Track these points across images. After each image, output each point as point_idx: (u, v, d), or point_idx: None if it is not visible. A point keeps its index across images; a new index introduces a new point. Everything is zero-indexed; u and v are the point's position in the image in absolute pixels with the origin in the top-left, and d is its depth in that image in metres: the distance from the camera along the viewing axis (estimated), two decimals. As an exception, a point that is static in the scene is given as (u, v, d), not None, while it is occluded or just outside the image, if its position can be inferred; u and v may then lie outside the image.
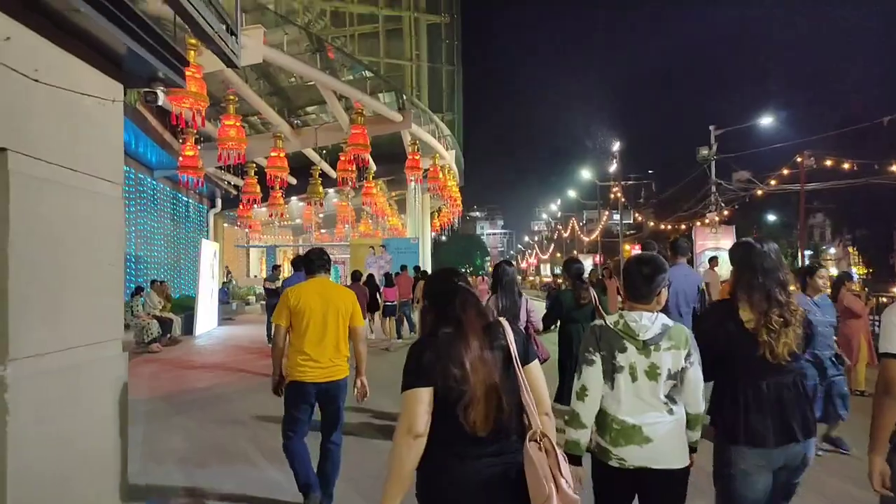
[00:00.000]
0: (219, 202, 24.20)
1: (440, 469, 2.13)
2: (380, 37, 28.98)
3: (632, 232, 44.33)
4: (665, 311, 2.66)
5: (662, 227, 32.97)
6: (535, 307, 5.75)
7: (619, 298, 10.31)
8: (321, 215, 30.09)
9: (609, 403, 2.55)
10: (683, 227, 29.06)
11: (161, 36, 4.06)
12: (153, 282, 14.41)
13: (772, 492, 2.68)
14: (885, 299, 14.22)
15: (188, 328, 15.47)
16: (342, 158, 16.96)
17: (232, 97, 13.25)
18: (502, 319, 2.30)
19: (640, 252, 2.96)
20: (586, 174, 43.45)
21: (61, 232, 3.40)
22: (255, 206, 20.98)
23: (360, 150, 15.05)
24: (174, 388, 9.13)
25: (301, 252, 33.88)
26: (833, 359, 5.37)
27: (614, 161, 36.87)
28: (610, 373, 2.54)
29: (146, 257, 17.35)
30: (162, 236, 18.91)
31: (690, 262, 23.15)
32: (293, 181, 20.29)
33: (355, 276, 12.27)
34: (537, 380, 2.26)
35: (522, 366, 2.21)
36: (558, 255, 78.87)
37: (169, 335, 13.59)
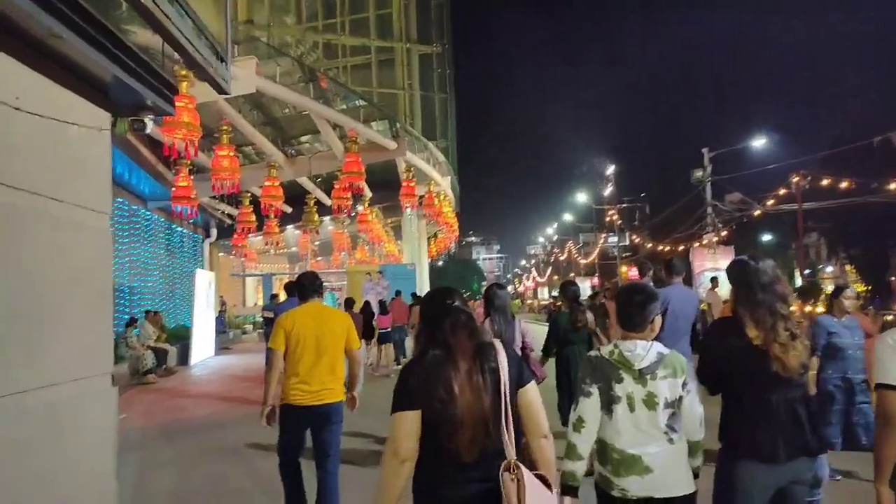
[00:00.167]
0: (214, 232, 24.11)
1: (429, 491, 2.14)
2: (372, 67, 29.24)
3: (627, 254, 44.33)
4: (664, 331, 2.67)
5: (660, 248, 32.95)
6: (530, 329, 5.72)
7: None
8: (317, 243, 29.99)
9: (608, 433, 2.53)
10: (682, 248, 29.03)
11: (148, 63, 4.01)
12: (147, 312, 14.26)
13: None
14: (891, 317, 14.14)
15: (184, 358, 15.28)
16: (337, 186, 16.92)
17: (225, 127, 13.24)
18: (496, 342, 2.26)
19: (630, 281, 2.96)
20: (581, 197, 43.68)
21: (45, 265, 3.30)
22: (251, 235, 20.91)
23: (355, 178, 15.02)
24: (169, 419, 8.96)
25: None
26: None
27: (609, 184, 37.00)
28: (607, 403, 2.53)
29: (141, 288, 17.20)
30: (156, 267, 18.78)
31: (689, 282, 23.23)
32: (288, 210, 20.22)
33: (348, 303, 12.16)
34: (533, 402, 2.24)
35: (518, 388, 2.19)
36: (555, 277, 78.76)
37: (164, 366, 13.40)
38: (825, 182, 20.38)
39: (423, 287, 25.36)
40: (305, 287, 4.34)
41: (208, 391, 11.77)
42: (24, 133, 3.26)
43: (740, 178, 24.94)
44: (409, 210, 21.90)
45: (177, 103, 9.89)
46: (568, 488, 2.49)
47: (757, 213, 23.51)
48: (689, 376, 2.56)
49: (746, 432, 2.61)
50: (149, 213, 18.25)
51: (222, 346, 19.20)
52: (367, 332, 13.03)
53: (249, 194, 18.52)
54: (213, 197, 18.59)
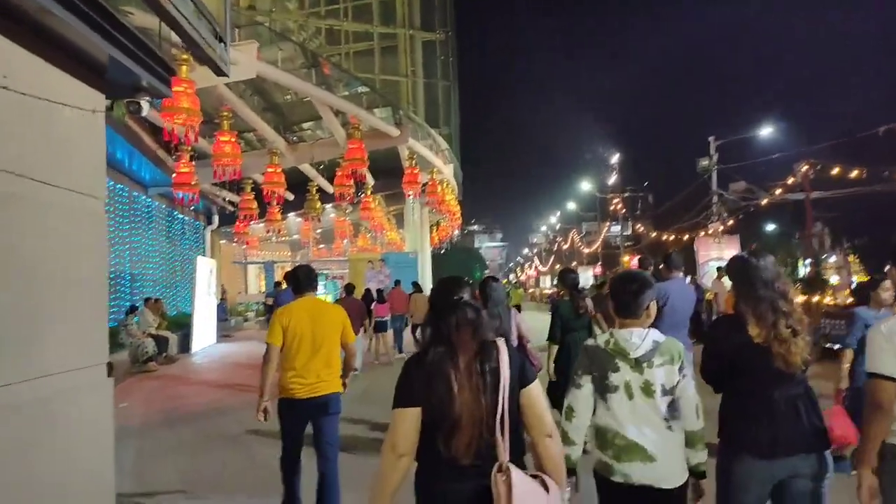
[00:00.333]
0: (215, 219, 24.00)
1: (428, 488, 2.16)
2: (375, 54, 29.01)
3: (630, 243, 44.17)
4: (663, 325, 2.73)
5: (664, 237, 32.77)
6: (524, 320, 5.79)
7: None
8: (319, 231, 29.90)
9: (609, 422, 2.54)
10: (686, 237, 28.85)
11: (145, 43, 3.87)
12: (147, 300, 14.16)
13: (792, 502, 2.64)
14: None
15: (185, 346, 15.22)
16: (339, 174, 16.83)
17: (226, 113, 13.12)
18: (499, 340, 2.24)
19: (625, 270, 2.97)
20: (585, 186, 43.38)
21: (36, 251, 3.19)
22: (252, 222, 20.82)
23: (358, 165, 14.92)
24: (169, 407, 8.90)
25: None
26: None
27: (613, 173, 36.78)
28: (604, 393, 2.54)
29: (141, 275, 17.12)
30: (157, 254, 18.69)
31: (693, 272, 23.08)
32: (290, 197, 20.12)
33: (349, 288, 12.12)
34: (536, 401, 2.22)
35: (521, 388, 2.18)
36: (557, 266, 78.65)
37: (165, 353, 13.33)
38: (832, 171, 20.14)
39: (425, 276, 25.29)
40: (301, 281, 4.37)
41: (209, 379, 11.72)
42: (14, 114, 3.13)
43: (745, 167, 24.75)
44: (411, 198, 21.79)
45: (176, 88, 9.80)
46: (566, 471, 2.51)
47: (764, 201, 23.24)
48: (687, 362, 2.56)
49: (746, 428, 2.62)
50: (149, 199, 18.14)
51: (224, 334, 19.14)
52: (368, 318, 13.03)
53: (251, 181, 18.44)
54: (215, 184, 18.48)
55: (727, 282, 11.91)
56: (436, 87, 29.96)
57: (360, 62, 28.25)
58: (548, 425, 2.21)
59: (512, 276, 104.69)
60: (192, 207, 21.09)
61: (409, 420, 2.12)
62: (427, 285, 20.50)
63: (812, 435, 2.62)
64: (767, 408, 2.60)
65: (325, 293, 23.08)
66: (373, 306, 13.55)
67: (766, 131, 23.39)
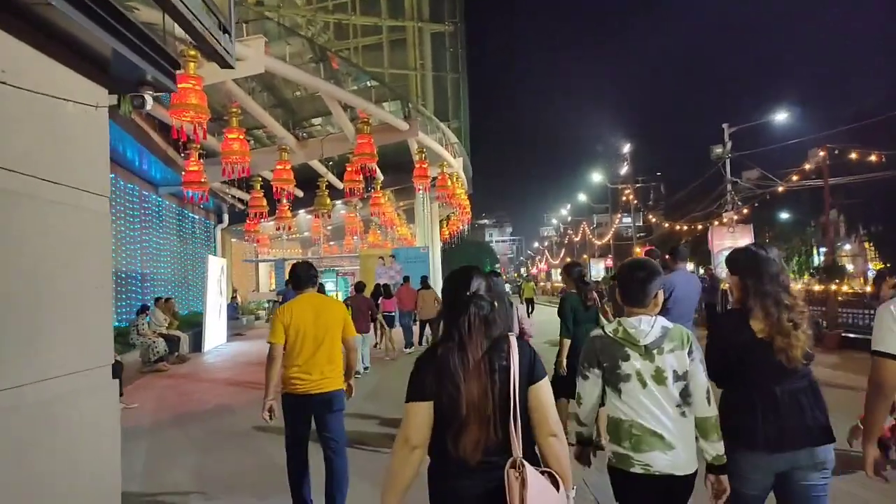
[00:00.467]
0: (226, 217, 24.00)
1: (441, 484, 2.16)
2: (384, 48, 28.79)
3: (642, 235, 43.83)
4: (669, 316, 2.67)
5: (677, 227, 32.43)
6: (526, 315, 5.96)
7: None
8: (329, 227, 29.87)
9: (623, 411, 2.52)
10: (700, 227, 28.52)
11: (149, 37, 3.76)
12: (157, 299, 14.13)
13: (793, 496, 2.64)
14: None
15: (197, 345, 15.19)
16: (349, 169, 16.73)
17: (235, 110, 13.02)
18: (511, 336, 2.21)
19: (633, 258, 2.94)
20: (597, 177, 43.05)
21: (39, 251, 3.08)
22: (263, 220, 20.77)
23: (367, 160, 14.79)
24: (179, 407, 8.84)
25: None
26: None
27: (625, 163, 36.45)
28: (616, 382, 2.53)
29: (153, 275, 17.12)
30: (168, 253, 18.68)
31: (708, 261, 22.74)
32: (300, 194, 20.07)
33: (359, 286, 12.07)
34: (543, 400, 2.19)
35: (529, 384, 2.16)
36: (568, 259, 78.42)
37: (176, 353, 13.29)
38: (851, 156, 19.75)
39: (436, 270, 25.17)
40: (300, 277, 4.38)
41: (220, 378, 11.68)
42: (14, 109, 3.02)
43: (759, 154, 24.39)
44: (421, 192, 21.62)
45: (184, 84, 9.70)
46: (580, 442, 2.76)
47: (781, 189, 22.87)
48: (695, 345, 2.54)
49: (748, 422, 2.59)
50: (160, 198, 18.12)
51: (235, 332, 19.12)
52: (375, 315, 13.01)
53: (261, 179, 18.37)
54: (225, 182, 18.44)
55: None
56: (445, 79, 29.71)
57: (369, 56, 28.06)
58: (553, 425, 2.17)
59: (523, 270, 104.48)
60: (203, 206, 21.08)
61: (422, 414, 2.12)
62: (438, 280, 20.38)
63: (815, 429, 2.60)
64: (770, 402, 2.59)
65: (335, 290, 23.02)
66: (380, 300, 13.51)
67: (780, 117, 22.94)
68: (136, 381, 11.08)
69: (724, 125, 23.45)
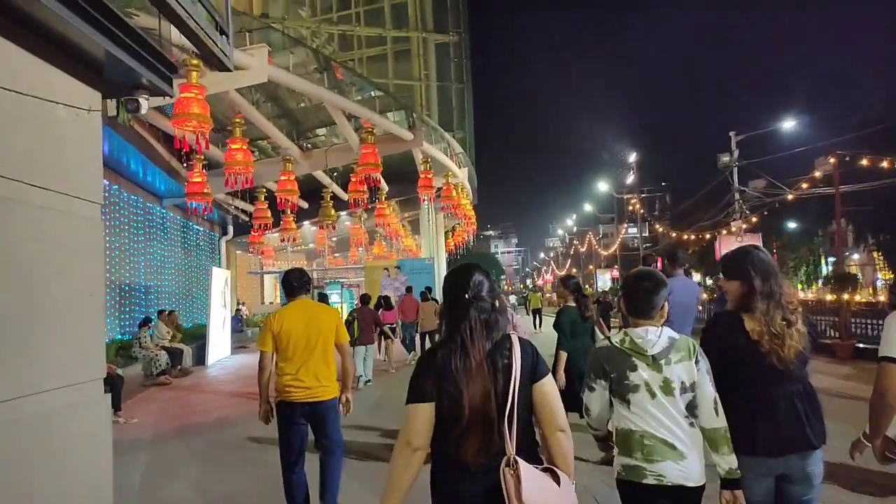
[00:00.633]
0: (230, 229, 23.91)
1: (444, 483, 2.13)
2: (388, 59, 28.83)
3: (648, 245, 43.60)
4: (665, 323, 2.63)
5: (685, 237, 32.19)
6: (520, 321, 5.67)
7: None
8: (334, 239, 29.76)
9: (633, 422, 2.47)
10: (708, 236, 28.28)
11: (144, 38, 3.65)
12: (161, 312, 14.00)
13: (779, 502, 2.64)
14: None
15: (200, 358, 15.03)
16: (353, 179, 16.66)
17: (238, 120, 12.95)
18: (513, 335, 2.19)
19: (638, 268, 2.86)
20: (602, 186, 42.83)
21: (29, 258, 2.95)
22: (267, 231, 20.67)
23: (371, 170, 14.71)
24: (181, 421, 8.68)
25: (315, 277, 33.63)
26: None
27: (631, 172, 36.30)
28: (624, 393, 2.49)
29: (156, 287, 17.00)
30: (173, 265, 18.57)
31: (715, 272, 22.45)
32: (305, 205, 19.98)
33: (364, 299, 11.99)
34: (549, 396, 2.16)
35: (533, 383, 2.13)
36: (574, 270, 78.11)
37: (179, 366, 13.13)
38: (862, 162, 19.50)
39: (441, 282, 24.96)
40: (292, 284, 4.34)
41: (222, 390, 11.52)
42: (3, 112, 2.90)
43: (766, 163, 24.19)
44: (426, 203, 21.53)
45: (186, 94, 9.63)
46: (596, 439, 2.76)
47: (791, 197, 22.60)
48: (700, 355, 2.50)
49: (744, 426, 2.54)
50: (164, 210, 18.04)
51: (239, 345, 18.95)
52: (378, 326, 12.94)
53: (265, 190, 18.30)
54: (229, 193, 18.36)
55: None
56: (449, 89, 29.69)
57: (374, 67, 28.08)
58: (560, 420, 2.15)
59: (528, 282, 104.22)
60: (207, 217, 21.00)
61: (423, 415, 2.09)
62: (436, 294, 20.22)
63: (810, 433, 2.57)
64: (765, 405, 2.57)
65: (339, 302, 22.89)
66: (380, 312, 13.40)
67: (787, 125, 22.73)
68: (138, 394, 10.93)
69: (732, 133, 23.30)
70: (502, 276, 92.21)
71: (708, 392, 2.46)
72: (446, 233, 32.16)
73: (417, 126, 18.17)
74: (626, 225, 48.95)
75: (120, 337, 13.48)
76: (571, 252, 77.90)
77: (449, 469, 2.10)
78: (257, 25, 13.59)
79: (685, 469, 2.40)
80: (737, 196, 23.56)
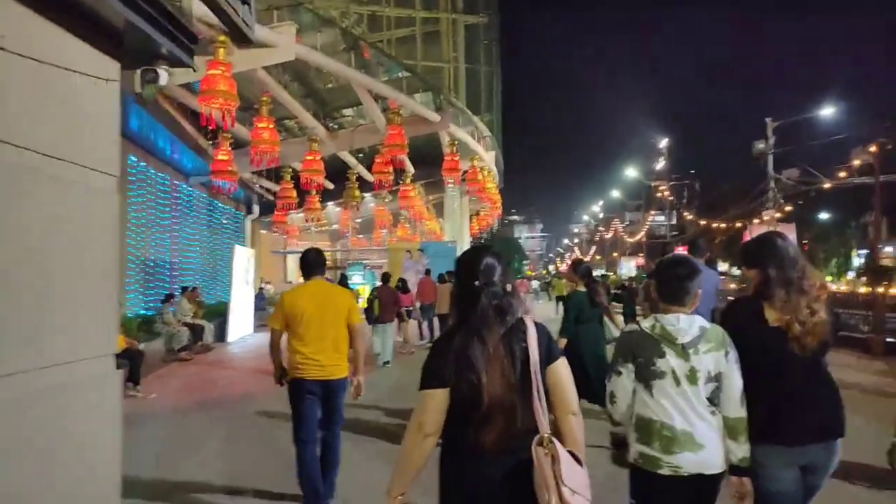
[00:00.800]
0: (256, 208, 24.00)
1: (456, 465, 2.12)
2: (417, 40, 28.50)
3: (675, 234, 42.93)
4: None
5: (715, 225, 31.58)
6: (532, 306, 5.60)
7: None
8: (358, 220, 29.75)
9: (654, 411, 2.46)
10: (740, 225, 27.67)
11: (164, 7, 3.54)
12: (184, 289, 14.09)
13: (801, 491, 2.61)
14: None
15: (221, 335, 15.13)
16: (378, 160, 16.56)
17: (265, 99, 12.89)
18: (527, 318, 2.17)
19: (673, 254, 2.78)
20: (631, 173, 42.15)
21: (41, 231, 2.87)
22: (292, 211, 20.69)
23: (397, 151, 14.60)
24: (199, 396, 8.73)
25: (338, 258, 33.76)
26: None
27: (661, 159, 35.66)
28: (649, 378, 2.47)
29: (181, 264, 17.12)
30: (198, 243, 18.69)
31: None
32: (330, 186, 19.96)
33: (385, 277, 12.18)
34: (562, 379, 2.16)
35: (547, 365, 2.13)
36: (598, 257, 77.47)
37: (200, 342, 13.22)
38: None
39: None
40: (309, 264, 4.37)
41: (242, 367, 11.57)
42: (16, 79, 2.81)
43: (799, 152, 23.54)
44: (451, 186, 21.38)
45: (213, 71, 9.59)
46: (616, 445, 2.73)
47: (827, 186, 21.91)
48: (730, 346, 2.48)
49: (764, 416, 2.51)
50: (190, 188, 18.12)
51: (261, 323, 19.05)
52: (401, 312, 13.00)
53: (291, 170, 18.28)
54: (255, 172, 18.40)
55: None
56: (478, 72, 29.29)
57: (402, 49, 27.76)
58: (572, 403, 2.16)
59: (552, 267, 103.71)
60: (233, 196, 21.10)
61: (437, 401, 2.07)
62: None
63: (833, 423, 2.57)
64: (787, 394, 2.54)
65: (363, 283, 22.90)
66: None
67: (826, 112, 21.91)
68: (158, 369, 11.02)
69: (768, 119, 22.60)
70: (525, 262, 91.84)
71: (737, 383, 2.45)
72: (471, 217, 31.97)
73: (445, 108, 17.99)
74: (652, 213, 48.25)
75: (143, 312, 13.60)
76: (596, 238, 77.23)
77: (461, 453, 2.10)
78: (286, 3, 13.43)
79: (702, 458, 2.40)
80: (771, 184, 22.91)
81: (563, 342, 5.77)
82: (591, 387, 5.64)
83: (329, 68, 14.53)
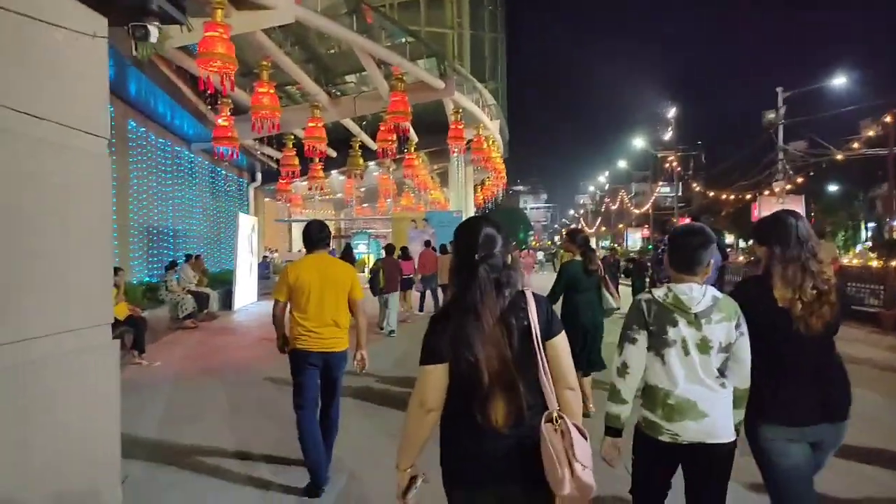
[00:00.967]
0: (259, 176, 23.79)
1: (455, 441, 2.10)
2: (420, 5, 27.97)
3: (681, 205, 42.61)
4: None
5: (724, 197, 31.23)
6: (529, 280, 5.56)
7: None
8: (362, 189, 29.57)
9: (661, 379, 2.48)
10: (749, 196, 27.33)
11: (153, -41, 3.36)
12: (188, 256, 14.00)
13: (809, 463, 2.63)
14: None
15: (227, 303, 15.08)
16: (382, 128, 16.30)
17: (265, 63, 12.62)
18: (527, 291, 2.14)
19: (687, 223, 2.67)
20: (638, 143, 41.67)
21: (25, 195, 2.74)
22: (295, 179, 20.49)
23: (401, 119, 14.32)
24: (204, 364, 8.70)
25: (342, 227, 33.61)
26: None
27: (669, 129, 35.20)
28: (659, 347, 2.47)
29: (184, 231, 17.01)
30: (201, 210, 18.55)
31: (748, 234, 21.73)
32: (333, 154, 19.71)
33: (389, 249, 12.23)
34: (561, 354, 2.14)
35: (546, 340, 2.10)
36: (603, 228, 77.18)
37: (206, 310, 13.18)
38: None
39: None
40: (312, 237, 4.35)
41: (247, 335, 11.55)
42: (-7, 33, 2.65)
43: (809, 123, 23.06)
44: (456, 155, 21.09)
45: (211, 32, 9.33)
46: (612, 430, 2.55)
47: (840, 157, 21.53)
48: (741, 318, 2.48)
49: (773, 395, 2.55)
50: (192, 155, 17.92)
51: (266, 291, 19.02)
52: (404, 279, 13.00)
53: (293, 137, 18.04)
54: (257, 139, 18.15)
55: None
56: (483, 39, 28.81)
57: (405, 14, 27.27)
58: (570, 378, 2.14)
59: (557, 238, 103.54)
60: (235, 163, 20.89)
61: (435, 377, 2.07)
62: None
63: (836, 405, 2.58)
64: (790, 374, 2.55)
65: (367, 252, 22.82)
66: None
67: (838, 81, 21.42)
68: (163, 336, 11.00)
69: (779, 89, 22.13)
70: (531, 232, 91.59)
71: (746, 356, 2.48)
72: (475, 186, 31.73)
73: (449, 75, 17.60)
74: (659, 183, 47.83)
75: (148, 279, 13.54)
76: (602, 209, 76.87)
77: (461, 429, 2.08)
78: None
79: (703, 427, 2.41)
80: (781, 155, 22.55)
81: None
82: (586, 357, 5.87)
83: (330, 32, 14.19)
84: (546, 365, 2.07)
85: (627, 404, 2.54)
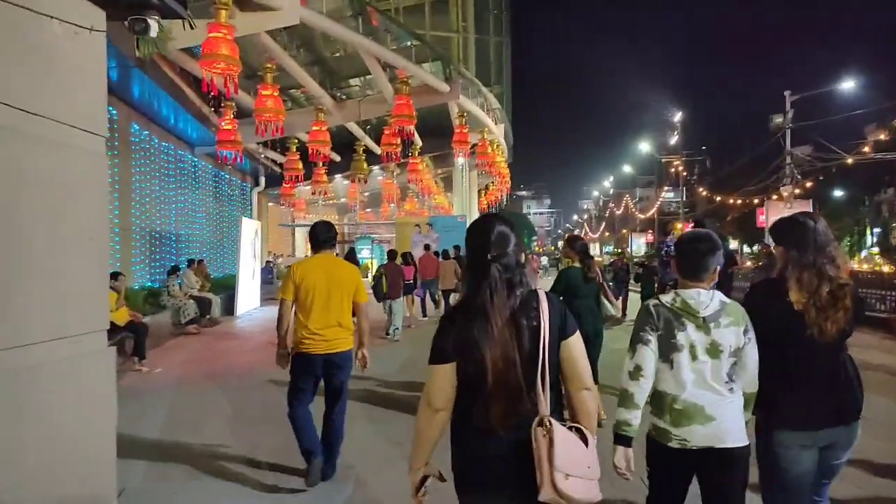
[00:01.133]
0: (262, 180, 23.71)
1: (463, 442, 2.10)
2: (425, 9, 27.89)
3: (686, 210, 42.43)
4: None
5: (730, 202, 31.03)
6: (536, 282, 5.47)
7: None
8: (366, 193, 29.46)
9: (669, 384, 2.47)
10: (756, 201, 27.14)
11: (153, -50, 3.23)
12: (190, 261, 13.88)
13: (816, 470, 2.62)
14: None
15: (229, 308, 14.96)
16: (387, 132, 16.20)
17: (270, 66, 12.53)
18: (540, 291, 2.11)
19: (694, 229, 2.60)
20: (644, 147, 41.49)
21: (18, 196, 2.61)
22: (299, 183, 20.39)
23: (405, 122, 14.20)
24: (206, 370, 8.57)
25: (346, 231, 33.51)
26: None
27: (675, 133, 35.04)
28: (668, 352, 2.46)
29: (187, 236, 16.91)
30: (204, 214, 18.46)
31: (762, 238, 21.55)
32: (337, 158, 19.62)
33: (391, 254, 12.27)
34: (576, 354, 2.11)
35: (562, 339, 2.08)
36: (607, 234, 76.98)
37: (208, 316, 13.04)
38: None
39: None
40: (318, 238, 4.35)
41: (249, 341, 11.42)
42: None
43: (814, 128, 22.87)
44: (460, 159, 21.00)
45: (215, 34, 9.23)
46: (621, 438, 2.47)
47: (850, 161, 21.31)
48: (749, 324, 2.48)
49: (785, 399, 2.54)
50: (196, 159, 17.83)
51: (269, 297, 18.92)
52: (406, 284, 12.92)
53: (297, 140, 17.95)
54: (260, 142, 18.07)
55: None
56: (488, 43, 28.73)
57: (411, 19, 27.16)
58: (586, 378, 2.12)
59: (560, 243, 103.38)
60: (239, 167, 20.81)
61: (445, 376, 2.05)
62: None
63: (848, 407, 2.56)
64: (803, 378, 2.54)
65: (370, 258, 22.71)
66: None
67: (847, 85, 21.21)
68: (166, 342, 10.87)
69: (787, 93, 21.95)
70: (534, 237, 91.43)
71: (755, 360, 2.48)
72: (479, 191, 31.62)
73: (454, 78, 17.49)
74: (664, 188, 47.66)
75: (150, 284, 13.42)
76: (606, 215, 76.70)
77: (469, 429, 2.07)
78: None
79: (712, 431, 2.40)
80: (788, 160, 22.35)
81: None
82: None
83: (336, 34, 14.09)
84: (546, 368, 2.03)
85: (639, 409, 2.48)
